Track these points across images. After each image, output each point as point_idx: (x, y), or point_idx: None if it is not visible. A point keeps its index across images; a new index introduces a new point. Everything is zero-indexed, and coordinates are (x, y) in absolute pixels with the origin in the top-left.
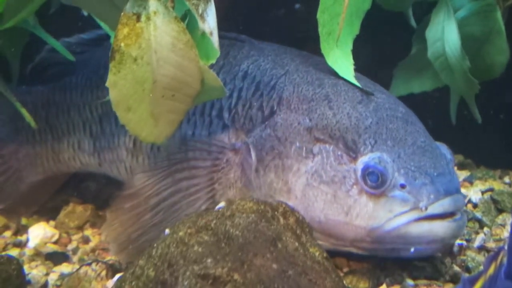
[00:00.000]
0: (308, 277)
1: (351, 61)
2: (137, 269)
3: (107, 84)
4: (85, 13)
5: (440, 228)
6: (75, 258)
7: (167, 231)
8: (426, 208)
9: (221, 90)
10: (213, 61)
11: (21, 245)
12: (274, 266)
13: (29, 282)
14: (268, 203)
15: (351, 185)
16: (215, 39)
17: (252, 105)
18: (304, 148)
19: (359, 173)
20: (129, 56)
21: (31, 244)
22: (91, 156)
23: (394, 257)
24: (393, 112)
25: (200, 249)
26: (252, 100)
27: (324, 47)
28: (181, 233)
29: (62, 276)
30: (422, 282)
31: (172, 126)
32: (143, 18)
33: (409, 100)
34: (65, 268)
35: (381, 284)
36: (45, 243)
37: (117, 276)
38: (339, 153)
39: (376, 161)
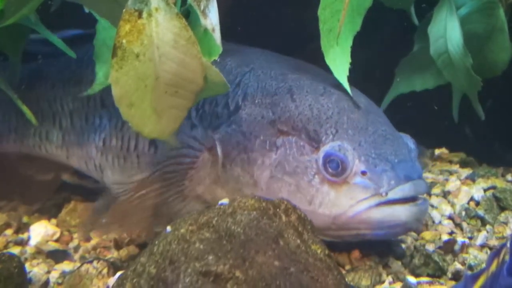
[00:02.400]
0: (310, 275)
1: (348, 59)
2: (139, 266)
3: (109, 81)
4: (86, 10)
5: (401, 212)
6: (76, 256)
7: (168, 228)
8: (386, 194)
9: (224, 86)
10: (216, 58)
11: (22, 243)
12: (276, 263)
13: (30, 280)
14: (270, 201)
15: (313, 174)
16: (217, 35)
17: (218, 102)
18: (268, 141)
19: (320, 161)
20: (131, 53)
21: (33, 242)
22: (58, 148)
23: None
24: (354, 103)
25: (201, 246)
26: (218, 98)
27: (324, 44)
28: (182, 230)
29: (63, 274)
30: (424, 280)
31: (175, 122)
32: (144, 14)
33: (411, 97)
34: (66, 266)
35: (383, 282)
36: (47, 241)
37: (118, 273)
38: (301, 144)
39: (336, 149)
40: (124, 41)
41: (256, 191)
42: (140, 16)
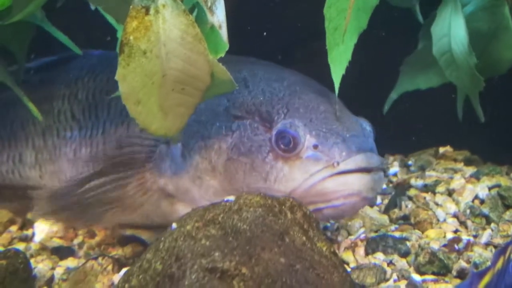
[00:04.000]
0: (315, 272)
1: (349, 57)
2: (144, 263)
3: (116, 77)
4: (92, 7)
5: (354, 180)
6: (80, 253)
7: (174, 225)
8: (338, 164)
9: (230, 83)
10: (222, 55)
11: (27, 239)
12: (282, 260)
13: (35, 276)
14: (275, 198)
15: (267, 152)
16: (224, 32)
17: None
18: (223, 127)
19: (273, 139)
20: (138, 49)
21: (37, 238)
22: (32, 168)
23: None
24: (306, 87)
25: (207, 243)
26: None
27: (329, 42)
28: (188, 227)
29: (68, 270)
30: (429, 278)
31: (182, 120)
32: (152, 11)
33: (415, 96)
34: (70, 262)
35: (388, 280)
36: (51, 238)
37: (124, 270)
38: (255, 125)
39: (287, 126)
40: (131, 37)
41: (215, 176)
42: (147, 12)
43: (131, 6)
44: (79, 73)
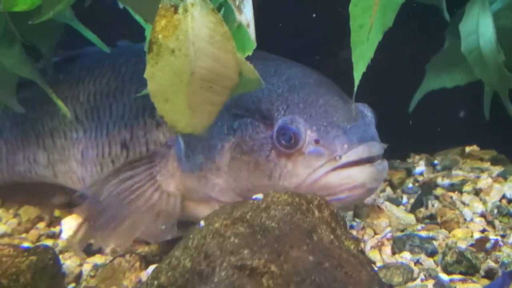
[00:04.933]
0: (344, 270)
1: (371, 55)
2: (173, 260)
3: (145, 75)
4: (121, 6)
5: (358, 173)
6: (107, 250)
7: (202, 222)
8: (340, 157)
9: (258, 81)
10: (250, 53)
11: (54, 236)
12: (311, 258)
13: (63, 273)
14: (303, 196)
15: (269, 150)
16: (251, 31)
17: None
18: (225, 126)
19: (274, 136)
20: (166, 48)
21: (64, 235)
22: (46, 168)
23: None
24: (304, 80)
25: (236, 241)
26: None
27: (354, 40)
28: (216, 225)
29: (95, 267)
30: (457, 278)
31: (209, 117)
32: (180, 9)
33: (441, 94)
34: (98, 259)
35: (415, 279)
36: None
37: (151, 267)
38: (256, 123)
39: (288, 122)
40: (159, 36)
41: (219, 175)
42: (176, 11)
43: (160, 5)
44: (79, 73)
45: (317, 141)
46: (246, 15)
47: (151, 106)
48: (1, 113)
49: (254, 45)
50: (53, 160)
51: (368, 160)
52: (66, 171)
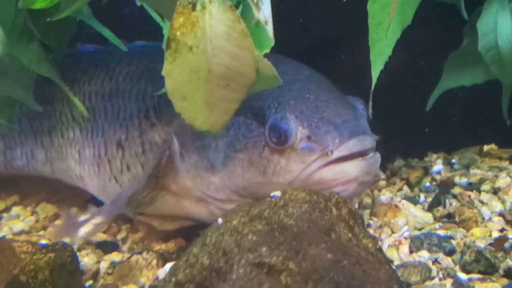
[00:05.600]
0: (362, 268)
1: (389, 52)
2: (191, 257)
3: (163, 73)
4: (138, 4)
5: (350, 167)
6: (124, 247)
7: (219, 220)
8: (332, 152)
9: (275, 79)
10: (267, 51)
11: None
12: (329, 256)
13: (81, 270)
14: (321, 194)
15: (262, 147)
16: (269, 28)
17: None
18: None
19: (266, 134)
20: (184, 45)
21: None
22: (44, 165)
23: None
24: (296, 76)
25: (254, 238)
26: None
27: (372, 38)
28: (234, 222)
29: (113, 264)
30: (475, 277)
31: (226, 115)
32: (198, 7)
33: (459, 93)
34: (115, 256)
35: (433, 278)
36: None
37: (168, 265)
38: (249, 121)
39: (278, 119)
40: (177, 33)
41: (214, 174)
42: (193, 8)
43: (178, 2)
44: (74, 74)
45: (309, 137)
46: (264, 12)
47: (146, 107)
48: None
49: (272, 42)
50: (51, 157)
51: (360, 154)
52: (64, 168)
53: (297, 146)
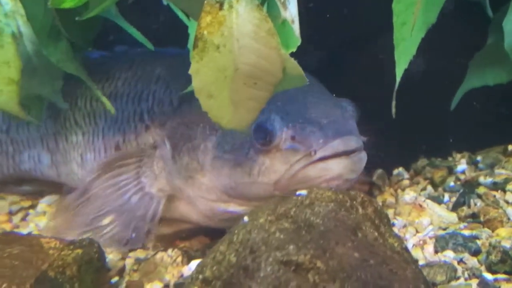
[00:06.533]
0: (388, 267)
1: (414, 52)
2: (218, 255)
3: (189, 71)
4: (165, 3)
5: (333, 165)
6: (149, 244)
7: (245, 218)
8: (315, 152)
9: (301, 78)
10: (294, 49)
11: None
12: (356, 254)
13: (107, 267)
14: (346, 193)
15: (248, 148)
16: (296, 27)
17: (164, 102)
18: (207, 127)
19: (252, 135)
20: (211, 44)
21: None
22: (50, 168)
23: None
24: None
25: (281, 236)
26: (164, 98)
27: (396, 37)
28: (261, 220)
29: (138, 261)
30: (501, 277)
31: (252, 114)
32: (225, 6)
33: (483, 92)
34: (140, 253)
35: (459, 278)
36: None
37: (193, 262)
38: None
39: (263, 120)
40: (205, 32)
41: (204, 175)
42: (221, 7)
43: (205, 1)
44: (76, 78)
45: (293, 138)
46: (291, 11)
47: (141, 110)
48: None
49: (298, 41)
50: (56, 161)
51: (345, 154)
52: (68, 172)
53: (282, 146)
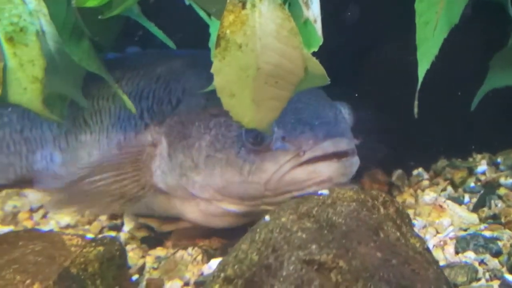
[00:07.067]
0: (411, 267)
1: (436, 52)
2: (240, 253)
3: (211, 70)
4: (187, 3)
5: (323, 168)
6: (168, 243)
7: (267, 217)
8: (304, 153)
9: (323, 77)
10: (315, 49)
11: (116, 228)
12: (378, 254)
13: (128, 265)
14: (368, 193)
15: (239, 147)
16: (318, 26)
17: (163, 100)
18: (202, 126)
19: (243, 134)
20: (234, 43)
21: (126, 228)
22: (61, 167)
23: None
24: None
25: (304, 235)
26: (163, 97)
27: (419, 37)
28: (283, 219)
29: (158, 259)
30: None
31: (274, 113)
32: (248, 5)
33: (504, 92)
34: (160, 252)
35: (480, 279)
36: (139, 228)
37: (213, 261)
38: (229, 122)
39: None
40: (227, 31)
41: (198, 173)
42: (243, 6)
43: (228, 0)
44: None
45: (283, 138)
46: (314, 11)
47: (141, 108)
48: (22, 113)
49: (320, 41)
50: (67, 160)
51: (337, 155)
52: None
53: (272, 146)
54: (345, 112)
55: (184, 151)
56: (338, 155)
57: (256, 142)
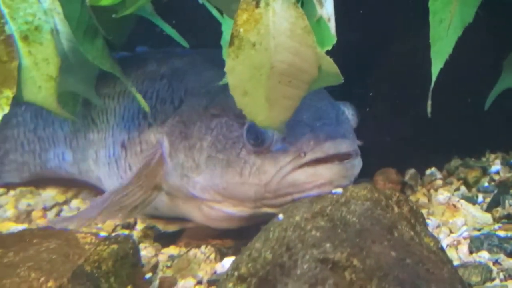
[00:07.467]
0: (425, 267)
1: (450, 51)
2: (254, 252)
3: (225, 69)
4: (200, 1)
5: (324, 170)
6: (181, 242)
7: (280, 216)
8: (305, 154)
9: (337, 76)
10: (329, 48)
11: (129, 227)
12: (393, 253)
13: (142, 263)
14: (382, 191)
15: (240, 148)
16: (332, 25)
17: (166, 100)
18: (203, 126)
19: (244, 135)
20: (247, 42)
21: (139, 226)
22: (72, 166)
23: None
24: None
25: (318, 234)
26: (166, 96)
27: (433, 35)
28: (297, 218)
29: (171, 258)
30: None
31: (287, 112)
32: (262, 3)
33: None
34: (173, 250)
35: (494, 279)
36: (152, 226)
37: (226, 259)
38: (230, 123)
39: None
40: (241, 30)
41: (199, 174)
42: (257, 5)
43: None
44: None
45: (284, 139)
46: (327, 9)
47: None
48: (35, 112)
49: (334, 39)
50: (77, 159)
51: (339, 157)
52: (87, 169)
53: (273, 147)
54: (349, 113)
55: (186, 152)
56: (339, 157)
57: (257, 143)
